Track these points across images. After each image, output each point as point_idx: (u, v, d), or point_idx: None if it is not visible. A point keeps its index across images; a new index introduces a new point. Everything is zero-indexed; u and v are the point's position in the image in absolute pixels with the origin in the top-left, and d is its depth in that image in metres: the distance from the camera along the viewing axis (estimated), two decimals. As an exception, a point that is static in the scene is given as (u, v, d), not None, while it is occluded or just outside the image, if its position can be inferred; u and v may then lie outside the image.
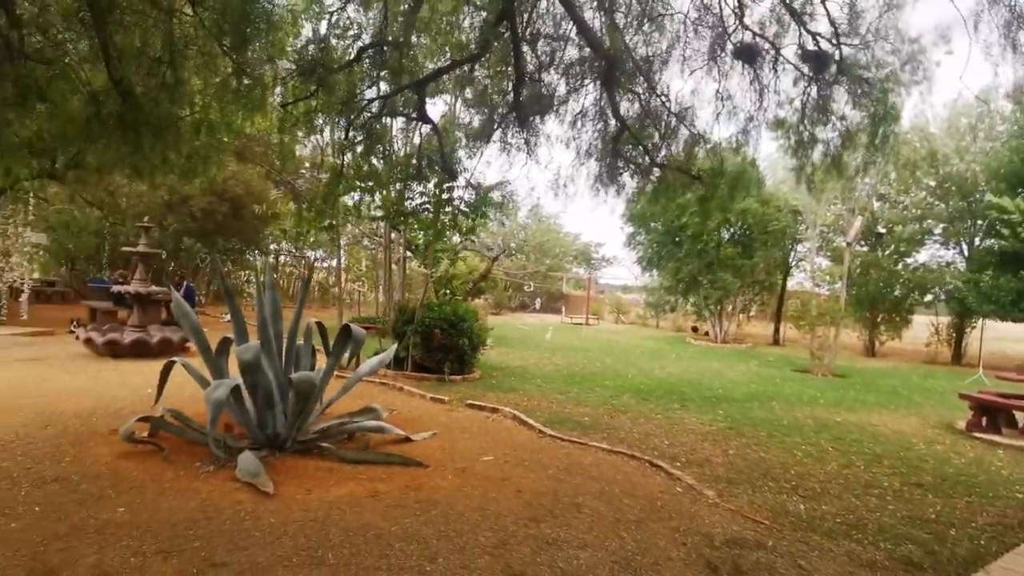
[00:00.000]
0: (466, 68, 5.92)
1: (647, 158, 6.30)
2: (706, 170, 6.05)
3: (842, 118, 6.06)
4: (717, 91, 6.02)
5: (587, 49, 5.69)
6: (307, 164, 23.38)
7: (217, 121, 5.14)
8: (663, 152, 6.30)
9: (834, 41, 5.67)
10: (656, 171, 6.39)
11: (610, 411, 8.36)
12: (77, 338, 11.07)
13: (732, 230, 20.86)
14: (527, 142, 6.46)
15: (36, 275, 18.19)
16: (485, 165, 30.14)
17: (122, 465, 4.86)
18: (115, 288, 12.77)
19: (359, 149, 6.83)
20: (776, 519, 4.59)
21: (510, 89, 5.93)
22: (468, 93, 6.93)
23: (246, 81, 4.75)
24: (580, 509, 4.56)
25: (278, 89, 5.48)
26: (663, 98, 6.00)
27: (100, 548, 3.47)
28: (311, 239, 18.35)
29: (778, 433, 7.50)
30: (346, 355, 6.23)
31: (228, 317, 18.30)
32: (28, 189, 13.70)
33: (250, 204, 17.36)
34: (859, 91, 5.73)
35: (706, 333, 22.93)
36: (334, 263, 22.74)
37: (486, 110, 6.60)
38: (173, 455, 5.14)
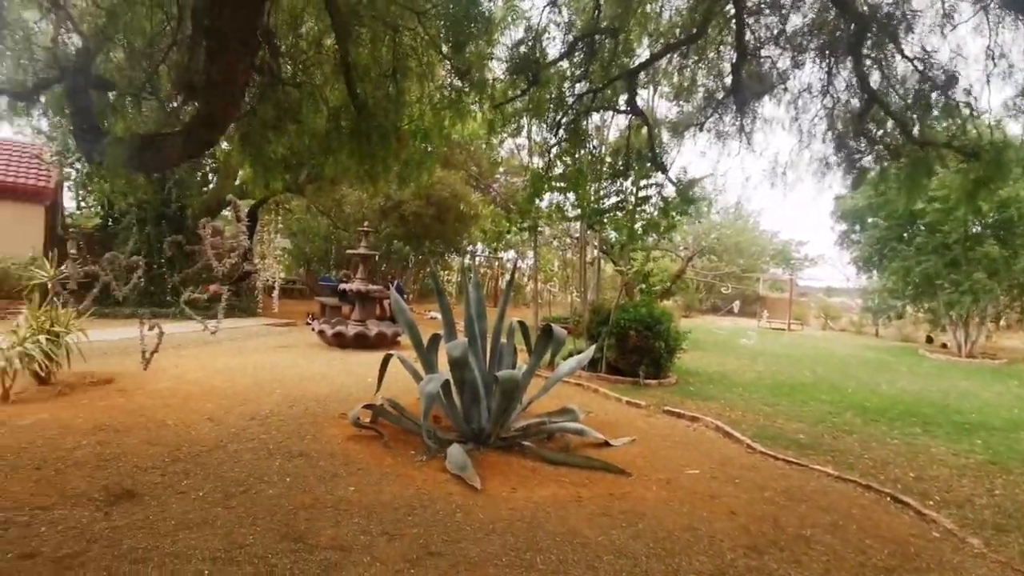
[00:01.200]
0: (680, 52, 5.57)
1: (898, 135, 5.35)
2: (985, 145, 4.93)
3: None
4: (988, 49, 4.91)
5: (820, 14, 5.00)
6: (502, 169, 24.46)
7: (431, 128, 5.49)
8: (915, 127, 5.29)
9: None
10: (903, 150, 5.39)
11: (831, 430, 7.37)
12: (313, 330, 12.73)
13: (985, 220, 17.16)
14: (742, 128, 5.89)
15: (282, 274, 21.45)
16: (683, 158, 28.96)
17: (351, 447, 5.35)
18: (341, 286, 14.47)
19: (563, 146, 6.82)
20: (1086, 589, 3.58)
21: (727, 70, 5.44)
22: (675, 80, 6.54)
23: (459, 83, 4.99)
24: (810, 544, 3.99)
25: (488, 91, 5.66)
26: (920, 63, 5.03)
27: (336, 523, 3.79)
28: (509, 240, 19.13)
29: (1066, 474, 5.98)
30: (547, 355, 6.23)
31: (432, 314, 19.85)
32: (278, 201, 16.13)
33: (454, 207, 18.59)
34: None
35: (944, 345, 19.45)
36: (526, 264, 23.45)
37: (698, 95, 6.16)
38: (391, 442, 5.55)
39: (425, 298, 27.75)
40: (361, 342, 11.77)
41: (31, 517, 3.60)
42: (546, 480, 4.94)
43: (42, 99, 4.66)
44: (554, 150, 7.07)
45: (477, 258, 31.40)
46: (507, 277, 30.84)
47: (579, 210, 9.47)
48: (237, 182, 14.80)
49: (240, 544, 3.42)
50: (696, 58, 5.80)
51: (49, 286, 7.21)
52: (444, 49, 4.77)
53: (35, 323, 6.95)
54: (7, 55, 4.41)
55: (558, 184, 8.54)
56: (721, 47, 5.56)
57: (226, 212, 17.27)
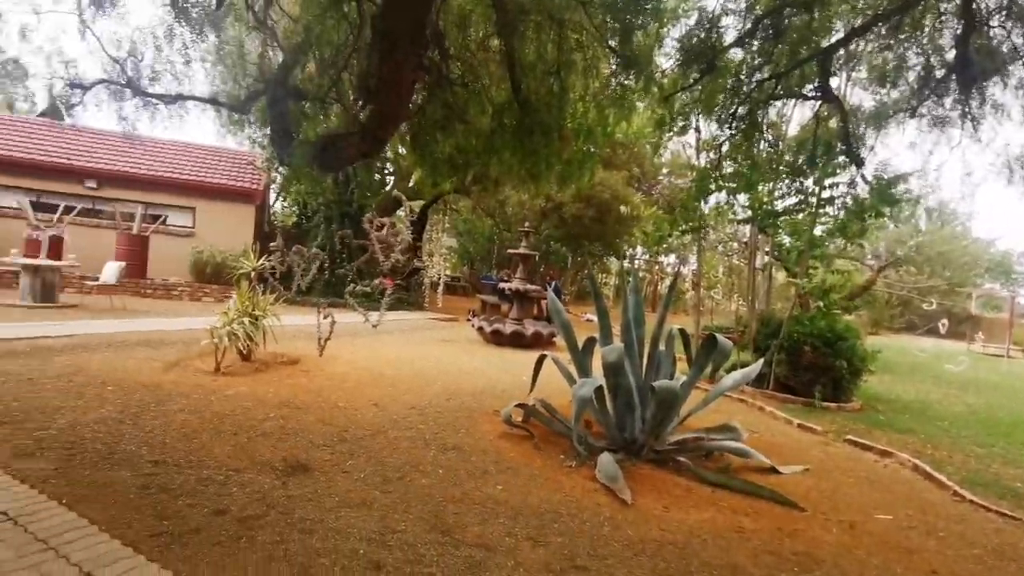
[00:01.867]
0: (890, 24, 4.80)
1: None
2: None
3: None
4: None
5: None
6: (665, 170, 23.59)
7: (594, 125, 5.35)
8: None
9: None
10: None
11: (1072, 484, 5.98)
12: (473, 326, 13.23)
13: None
14: (966, 113, 4.93)
15: (447, 272, 22.68)
16: (881, 152, 25.73)
17: (502, 445, 5.38)
18: (501, 285, 14.88)
19: (735, 141, 6.30)
20: None
21: (948, 44, 4.60)
22: (878, 60, 5.70)
23: (625, 80, 4.79)
24: (1044, 625, 3.20)
25: (656, 83, 5.37)
26: None
27: (483, 520, 3.79)
28: (671, 244, 18.37)
29: None
30: (709, 367, 5.79)
31: (588, 316, 19.71)
32: (447, 202, 17.02)
33: (614, 209, 18.31)
34: None
35: None
36: (688, 269, 22.35)
37: (907, 76, 5.29)
38: (542, 443, 5.49)
39: (581, 300, 27.69)
40: (517, 340, 11.98)
41: (226, 477, 4.05)
42: (702, 502, 4.55)
43: (252, 110, 5.31)
44: (724, 146, 6.55)
45: (635, 262, 30.66)
46: (666, 282, 29.70)
47: (750, 211, 8.72)
48: (411, 184, 15.89)
49: (393, 529, 3.54)
50: (909, 31, 4.94)
51: (252, 275, 8.23)
52: (610, 41, 4.60)
53: (241, 307, 7.96)
54: (227, 73, 5.11)
55: (728, 183, 7.93)
56: (943, 17, 4.68)
57: (400, 211, 18.64)
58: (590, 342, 6.21)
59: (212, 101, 5.70)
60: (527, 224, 14.27)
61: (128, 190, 15.27)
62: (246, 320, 7.73)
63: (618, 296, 23.05)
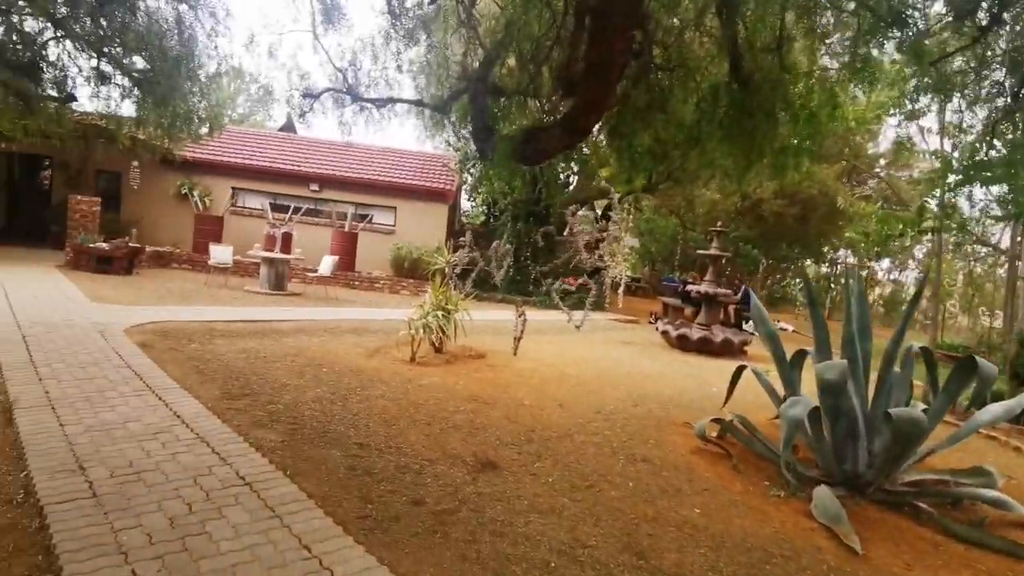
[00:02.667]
0: None
1: None
2: None
3: None
4: None
5: None
6: (882, 161, 20.67)
7: (820, 106, 4.62)
8: None
9: None
10: None
11: None
12: (656, 329, 12.66)
13: None
14: None
15: (628, 272, 22.16)
16: None
17: (695, 462, 4.93)
18: (689, 287, 14.09)
19: (1009, 118, 5.09)
20: None
21: None
22: None
23: (873, 46, 4.03)
24: None
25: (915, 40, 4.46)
26: None
27: (680, 547, 3.44)
28: (896, 245, 15.93)
29: None
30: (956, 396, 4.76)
31: (782, 325, 17.92)
32: (631, 201, 16.57)
33: (822, 206, 16.33)
34: None
35: None
36: (904, 275, 19.35)
37: None
38: (741, 464, 4.93)
39: (772, 307, 25.36)
40: (705, 347, 11.20)
41: (421, 467, 4.17)
42: (954, 562, 3.71)
43: (453, 110, 5.49)
44: (991, 126, 5.32)
45: (838, 265, 27.35)
46: (878, 290, 26.07)
47: (1016, 207, 7.06)
48: (601, 182, 15.70)
49: (583, 543, 3.34)
50: None
51: (445, 270, 8.64)
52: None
53: (435, 301, 8.39)
54: (431, 75, 5.36)
55: (986, 173, 6.49)
56: None
57: (582, 211, 18.56)
58: (799, 355, 5.47)
59: (417, 103, 6.05)
60: (719, 223, 13.31)
61: (342, 192, 17.16)
62: (439, 313, 8.12)
63: (811, 305, 20.60)
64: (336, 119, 6.59)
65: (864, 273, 27.19)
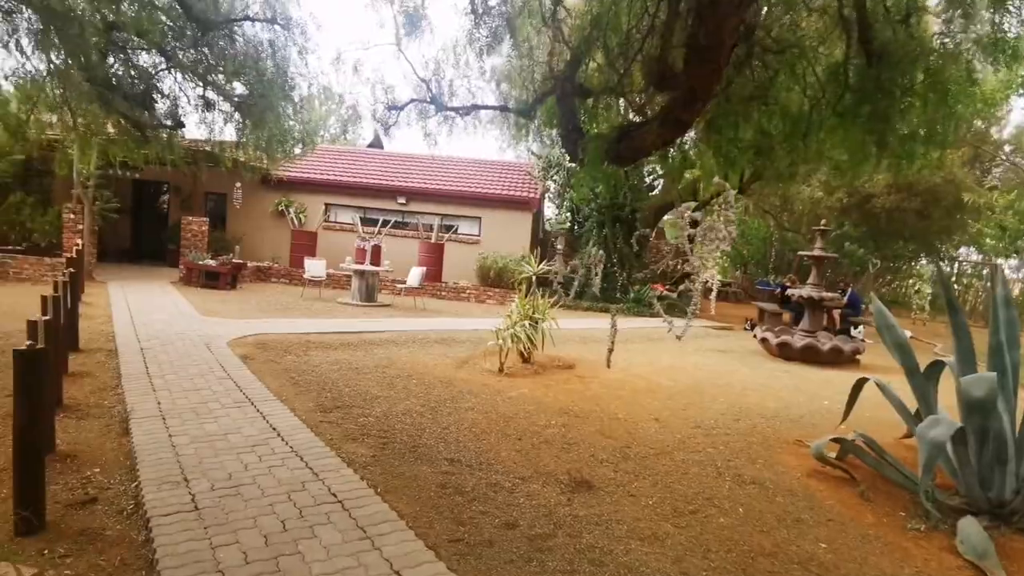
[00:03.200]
0: None
1: None
2: None
3: None
4: None
5: None
6: (1007, 147, 18.63)
7: (958, 83, 4.02)
8: None
9: None
10: None
11: None
12: (754, 336, 11.90)
13: None
14: None
15: (718, 277, 21.20)
16: None
17: (814, 486, 4.45)
18: (788, 291, 13.17)
19: None
20: None
21: None
22: None
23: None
24: None
25: None
26: None
27: (806, 586, 3.04)
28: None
29: None
30: None
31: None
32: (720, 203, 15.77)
33: (946, 197, 14.65)
34: None
35: None
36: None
37: None
38: (869, 491, 4.40)
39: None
40: (810, 356, 10.37)
41: (513, 485, 3.99)
42: None
43: (538, 113, 5.34)
44: None
45: (960, 263, 24.83)
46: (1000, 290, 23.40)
47: None
48: (694, 182, 15.03)
49: (694, 577, 3.02)
50: None
51: (533, 279, 8.49)
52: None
53: (522, 311, 8.25)
54: (515, 78, 5.24)
55: None
56: None
57: (667, 216, 17.91)
58: (935, 367, 4.84)
59: (501, 108, 5.95)
60: (823, 222, 12.35)
61: (428, 204, 17.49)
62: (526, 323, 7.96)
63: (923, 310, 18.70)
64: (420, 130, 6.63)
65: (988, 271, 24.58)
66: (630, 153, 3.90)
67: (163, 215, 18.37)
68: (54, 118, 7.13)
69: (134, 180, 16.47)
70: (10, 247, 12.84)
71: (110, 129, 7.68)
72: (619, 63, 4.29)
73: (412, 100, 6.20)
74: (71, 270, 6.50)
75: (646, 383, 7.54)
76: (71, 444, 4.07)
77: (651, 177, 18.91)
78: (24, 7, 5.23)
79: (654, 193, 18.92)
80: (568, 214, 18.61)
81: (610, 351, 4.60)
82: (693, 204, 5.73)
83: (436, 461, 4.30)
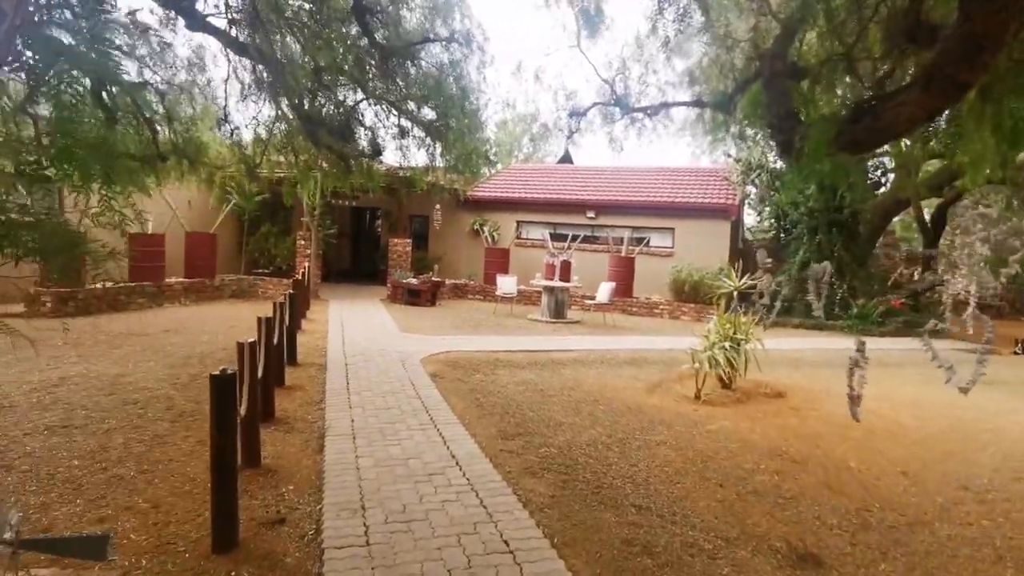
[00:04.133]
0: None
1: None
2: None
3: None
4: None
5: None
6: None
7: None
8: None
9: None
10: None
11: None
12: (1033, 363, 9.37)
13: None
14: None
15: (973, 288, 17.42)
16: None
17: None
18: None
19: None
20: None
21: None
22: None
23: None
24: None
25: None
26: None
27: None
28: None
29: None
30: None
31: None
32: (977, 200, 12.91)
33: None
34: None
35: None
36: None
37: None
38: None
39: None
40: None
41: (715, 548, 3.32)
42: None
43: (738, 106, 4.59)
44: None
45: None
46: None
47: None
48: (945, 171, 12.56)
49: None
50: None
51: (734, 295, 7.52)
52: None
53: (722, 330, 7.34)
54: (710, 67, 4.59)
55: None
56: None
57: (898, 217, 15.16)
58: None
59: (695, 103, 5.27)
60: None
61: (618, 216, 16.98)
62: (727, 344, 7.05)
63: None
64: (606, 136, 6.21)
65: None
66: (872, 135, 3.02)
67: (377, 238, 20.37)
68: (280, 157, 8.07)
69: (352, 208, 18.48)
70: (260, 270, 15.11)
71: (324, 165, 8.50)
72: (848, 26, 3.42)
73: (595, 104, 5.81)
74: (290, 291, 7.20)
75: (883, 421, 6.17)
76: (275, 458, 4.31)
77: (878, 172, 16.26)
78: (245, 58, 5.93)
79: (882, 191, 16.22)
80: (772, 221, 16.69)
81: (856, 396, 3.55)
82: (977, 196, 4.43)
83: (622, 507, 3.78)
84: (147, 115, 7.36)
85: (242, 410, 3.53)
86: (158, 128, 7.24)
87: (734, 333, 7.29)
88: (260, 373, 4.85)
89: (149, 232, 11.71)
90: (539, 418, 5.71)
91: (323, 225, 14.40)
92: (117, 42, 7.19)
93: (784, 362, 9.08)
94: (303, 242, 14.02)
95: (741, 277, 12.60)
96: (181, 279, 12.76)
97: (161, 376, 6.59)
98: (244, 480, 3.86)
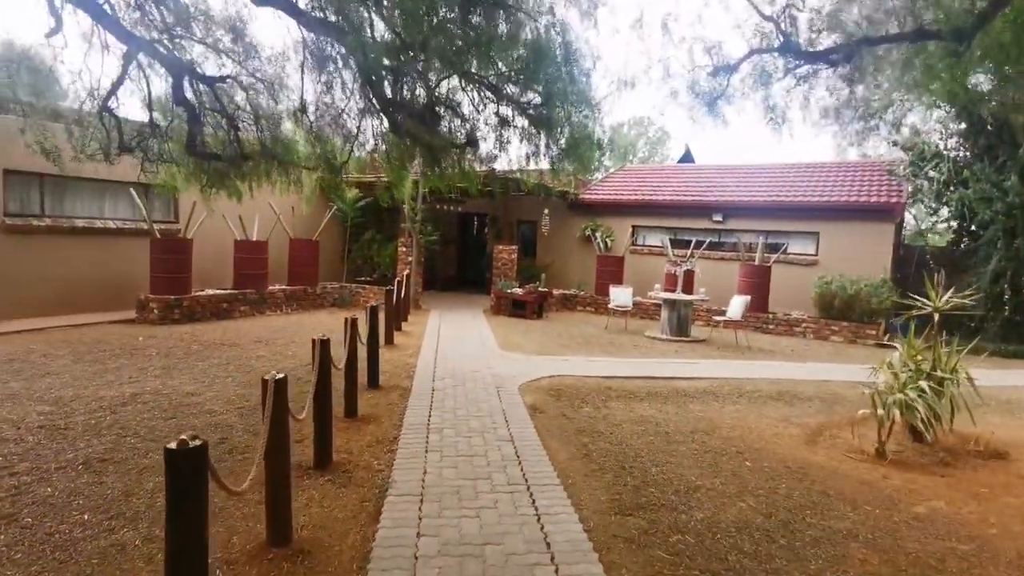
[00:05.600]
0: None
1: None
2: None
3: None
4: None
5: None
6: None
7: None
8: None
9: None
10: None
11: None
12: None
13: None
14: None
15: None
16: None
17: None
18: None
19: None
20: None
21: None
22: None
23: None
24: None
25: None
26: None
27: None
28: None
29: None
30: None
31: None
32: None
33: None
34: None
35: None
36: None
37: None
38: None
39: None
40: None
41: None
42: None
43: (975, 41, 2.98)
44: None
45: None
46: None
47: None
48: None
49: None
50: None
51: (934, 318, 5.62)
52: None
53: (912, 363, 5.50)
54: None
55: None
56: None
57: None
58: None
59: (918, 35, 3.62)
60: None
61: (750, 220, 14.89)
62: (924, 384, 5.21)
63: None
64: (761, 104, 4.65)
65: None
66: None
67: (483, 245, 19.61)
68: (365, 151, 7.31)
69: (458, 213, 17.81)
70: (364, 278, 14.76)
71: (417, 163, 7.62)
72: None
73: (751, 52, 4.29)
74: (371, 304, 6.31)
75: None
76: (315, 529, 3.30)
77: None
78: (316, 33, 5.12)
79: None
80: (954, 223, 13.69)
81: None
82: None
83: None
84: (229, 111, 6.87)
85: (244, 486, 2.51)
86: (239, 125, 6.71)
87: (932, 369, 5.44)
88: (310, 411, 3.90)
89: (253, 239, 11.57)
90: (666, 478, 4.32)
91: (424, 231, 13.74)
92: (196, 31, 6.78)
93: (991, 404, 6.91)
94: (404, 249, 13.43)
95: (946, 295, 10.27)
96: (284, 286, 12.57)
97: (231, 397, 5.93)
98: (264, 569, 2.86)
